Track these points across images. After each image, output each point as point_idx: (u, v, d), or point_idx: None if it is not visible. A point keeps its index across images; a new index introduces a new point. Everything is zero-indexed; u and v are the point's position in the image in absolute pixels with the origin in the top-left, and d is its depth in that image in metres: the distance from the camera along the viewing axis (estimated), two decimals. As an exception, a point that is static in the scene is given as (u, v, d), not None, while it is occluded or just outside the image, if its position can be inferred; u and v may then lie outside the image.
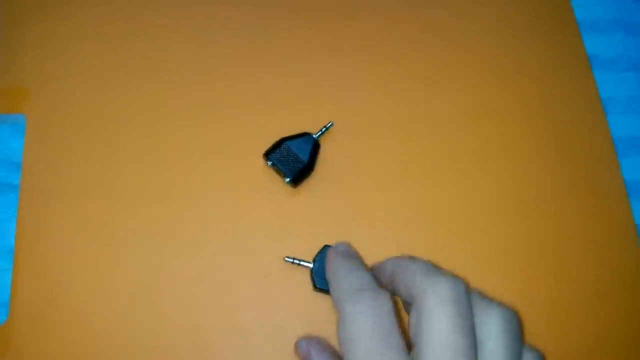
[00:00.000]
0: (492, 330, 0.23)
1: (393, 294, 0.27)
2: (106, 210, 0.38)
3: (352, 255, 0.32)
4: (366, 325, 0.23)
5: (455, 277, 0.24)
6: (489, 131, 0.41)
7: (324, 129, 0.39)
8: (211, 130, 0.40)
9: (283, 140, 0.38)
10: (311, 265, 0.36)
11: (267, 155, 0.38)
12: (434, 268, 0.25)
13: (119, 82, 0.41)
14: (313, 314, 0.36)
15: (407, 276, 0.25)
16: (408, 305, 0.28)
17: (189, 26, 0.43)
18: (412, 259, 0.27)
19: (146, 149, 0.39)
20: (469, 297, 0.24)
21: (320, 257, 0.36)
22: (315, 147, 0.38)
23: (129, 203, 0.38)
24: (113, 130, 0.40)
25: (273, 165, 0.38)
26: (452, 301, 0.23)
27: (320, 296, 0.36)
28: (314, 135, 0.39)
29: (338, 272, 0.28)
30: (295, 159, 0.38)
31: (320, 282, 0.35)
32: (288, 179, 0.37)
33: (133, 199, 0.38)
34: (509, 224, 0.39)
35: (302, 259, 0.36)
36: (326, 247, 0.36)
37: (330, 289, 0.28)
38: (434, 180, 0.40)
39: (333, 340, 0.34)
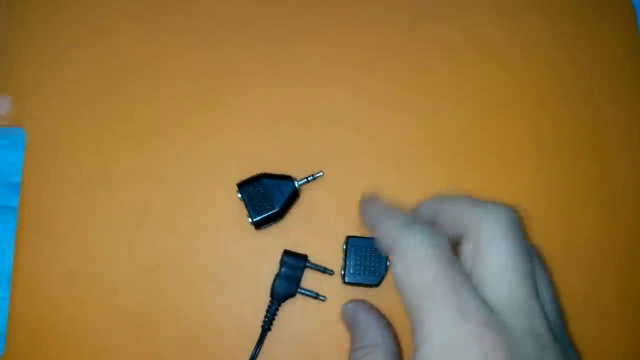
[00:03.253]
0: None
1: None
2: (104, 232, 0.36)
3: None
4: (429, 252, 0.23)
5: (507, 205, 0.24)
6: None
7: (311, 177, 0.35)
8: (199, 151, 0.37)
9: (262, 177, 0.35)
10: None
11: (240, 187, 0.35)
12: (482, 200, 0.25)
13: (107, 103, 0.38)
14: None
15: (455, 211, 0.25)
16: (455, 244, 0.26)
17: (188, 45, 0.39)
18: (455, 195, 0.26)
19: (141, 169, 0.37)
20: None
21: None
22: (293, 195, 0.35)
23: (128, 226, 0.36)
24: (104, 151, 0.37)
25: (242, 199, 0.35)
26: (510, 228, 0.23)
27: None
28: (296, 183, 0.35)
29: (383, 213, 0.27)
30: (266, 202, 0.34)
31: (350, 277, 0.34)
32: (250, 220, 0.34)
33: (133, 223, 0.36)
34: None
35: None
36: (350, 239, 0.34)
37: (378, 230, 0.26)
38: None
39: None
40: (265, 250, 0.35)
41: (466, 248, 0.23)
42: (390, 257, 0.24)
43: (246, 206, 0.34)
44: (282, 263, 0.34)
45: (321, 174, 0.35)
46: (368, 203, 0.29)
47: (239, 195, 0.34)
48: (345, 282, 0.34)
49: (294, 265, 0.34)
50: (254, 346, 0.34)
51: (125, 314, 0.35)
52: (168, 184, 0.37)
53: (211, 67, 0.38)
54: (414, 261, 0.22)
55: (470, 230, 0.23)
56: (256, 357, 0.34)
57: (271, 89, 0.38)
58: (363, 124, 0.37)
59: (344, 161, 0.37)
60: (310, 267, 0.34)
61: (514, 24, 0.39)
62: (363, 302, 0.32)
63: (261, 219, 0.34)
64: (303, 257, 0.34)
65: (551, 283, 0.24)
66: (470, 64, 0.38)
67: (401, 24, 0.39)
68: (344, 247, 0.34)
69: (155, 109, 0.38)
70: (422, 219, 0.27)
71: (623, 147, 0.38)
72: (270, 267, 0.35)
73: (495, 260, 0.22)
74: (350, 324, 0.31)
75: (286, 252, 0.34)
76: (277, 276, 0.34)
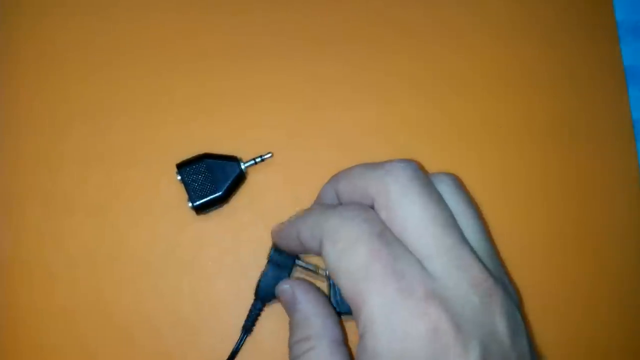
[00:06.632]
0: (451, 196, 0.23)
1: None
2: (34, 220, 0.33)
3: None
4: (359, 229, 0.21)
5: (401, 159, 0.23)
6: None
7: (259, 159, 0.32)
8: (137, 130, 0.34)
9: (204, 157, 0.32)
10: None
11: (180, 168, 0.32)
12: (376, 163, 0.23)
13: (41, 82, 0.34)
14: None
15: (356, 184, 0.23)
16: None
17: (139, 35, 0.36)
18: (348, 168, 0.25)
19: (75, 151, 0.34)
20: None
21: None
22: (239, 177, 0.32)
23: (60, 212, 0.33)
24: (37, 133, 0.34)
25: (182, 182, 0.31)
26: (414, 179, 0.22)
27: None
28: (242, 164, 0.32)
29: (301, 216, 0.25)
30: (209, 184, 0.31)
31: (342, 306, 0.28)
32: (191, 205, 0.31)
33: (66, 209, 0.33)
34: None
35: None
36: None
37: (302, 232, 0.25)
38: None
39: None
40: (207, 238, 0.33)
41: (381, 215, 0.22)
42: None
43: (186, 189, 0.31)
44: (269, 260, 0.30)
45: (270, 155, 0.33)
46: (279, 225, 0.28)
47: (179, 177, 0.31)
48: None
49: (282, 263, 0.29)
50: (191, 342, 0.31)
51: (56, 306, 0.32)
52: (102, 167, 0.33)
53: (153, 46, 0.35)
54: (346, 242, 0.21)
55: (377, 196, 0.22)
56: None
57: (218, 66, 0.35)
58: (315, 103, 0.35)
59: (295, 143, 0.34)
60: (299, 267, 0.30)
61: (480, 7, 0.37)
62: (303, 281, 0.28)
63: (203, 203, 0.31)
64: (292, 256, 0.30)
65: (475, 218, 0.23)
66: (431, 46, 0.36)
67: (361, 6, 0.36)
68: (327, 273, 0.30)
69: (91, 88, 0.34)
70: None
71: (590, 134, 0.36)
72: (212, 256, 0.32)
73: (411, 217, 0.21)
74: (289, 308, 0.27)
75: (274, 248, 0.29)
76: (264, 274, 0.29)
